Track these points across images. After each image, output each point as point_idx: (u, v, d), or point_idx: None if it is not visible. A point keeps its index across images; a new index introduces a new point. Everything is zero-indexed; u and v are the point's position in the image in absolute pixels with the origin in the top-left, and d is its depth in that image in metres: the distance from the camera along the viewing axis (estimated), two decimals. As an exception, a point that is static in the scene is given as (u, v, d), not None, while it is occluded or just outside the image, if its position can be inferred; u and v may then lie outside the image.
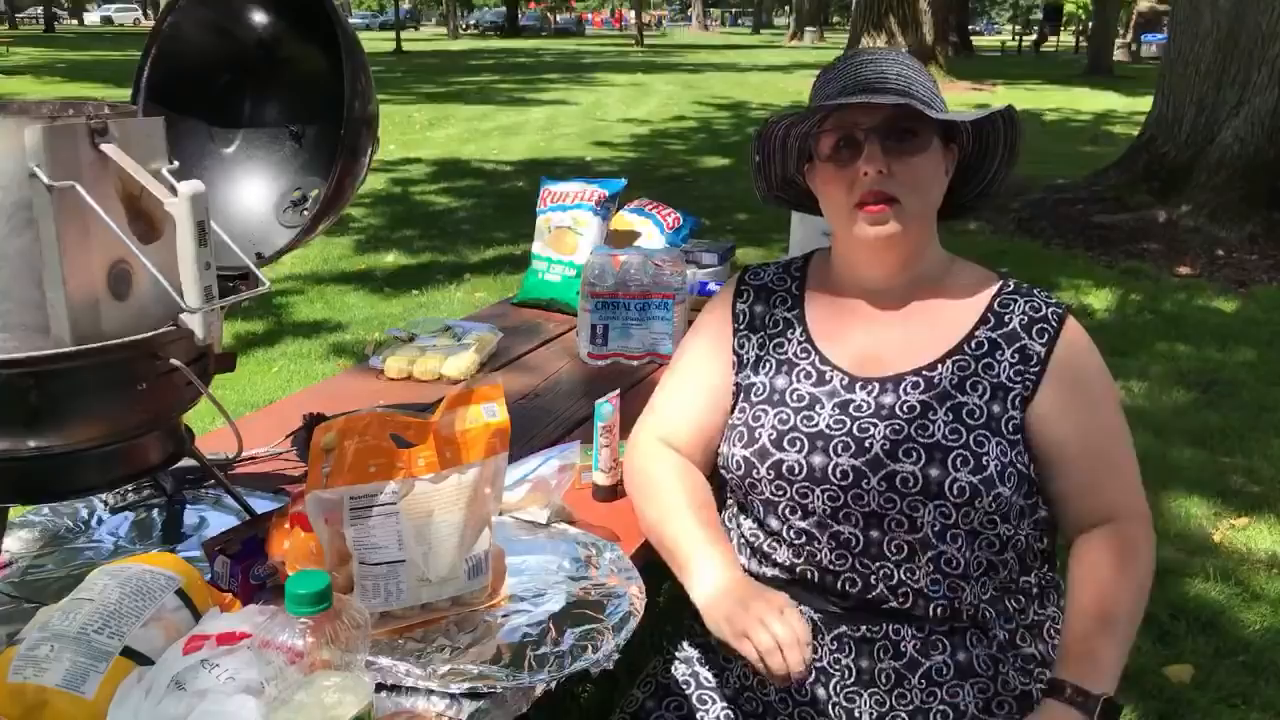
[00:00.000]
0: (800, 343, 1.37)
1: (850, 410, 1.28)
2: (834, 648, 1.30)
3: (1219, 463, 3.52)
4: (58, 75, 19.66)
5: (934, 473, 1.22)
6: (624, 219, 2.48)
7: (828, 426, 1.28)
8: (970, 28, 41.83)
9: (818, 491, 1.27)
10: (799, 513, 1.29)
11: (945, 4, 21.36)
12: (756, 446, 1.31)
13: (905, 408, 1.26)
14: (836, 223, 1.31)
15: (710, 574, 1.26)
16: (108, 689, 0.94)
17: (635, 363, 2.05)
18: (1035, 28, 45.22)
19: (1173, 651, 2.45)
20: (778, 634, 1.15)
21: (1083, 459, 1.28)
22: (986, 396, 1.26)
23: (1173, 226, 6.70)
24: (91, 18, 60.56)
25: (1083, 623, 1.26)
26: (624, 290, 2.03)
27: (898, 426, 1.25)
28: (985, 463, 1.22)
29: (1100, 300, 5.42)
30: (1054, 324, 1.29)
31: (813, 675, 1.31)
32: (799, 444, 1.29)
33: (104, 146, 1.09)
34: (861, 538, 1.26)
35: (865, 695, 1.29)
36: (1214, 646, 2.48)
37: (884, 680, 1.28)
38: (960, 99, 16.81)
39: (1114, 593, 1.27)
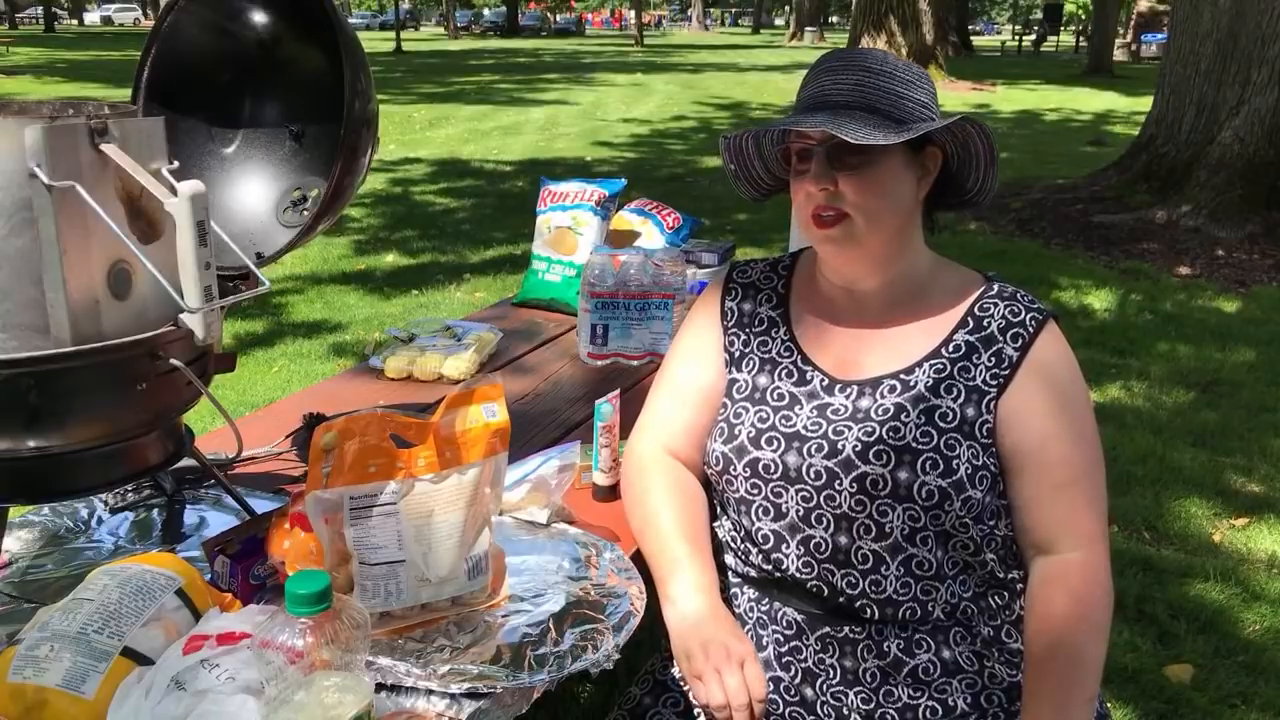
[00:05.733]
0: (784, 341, 1.37)
1: (828, 413, 1.29)
2: (818, 648, 1.30)
3: (1219, 463, 3.52)
4: (58, 75, 19.66)
5: (902, 475, 1.22)
6: (624, 219, 2.48)
7: (804, 427, 1.29)
8: (970, 27, 41.83)
9: (791, 492, 1.27)
10: (771, 514, 1.29)
11: (945, 4, 21.39)
12: (735, 443, 1.31)
13: (880, 411, 1.26)
14: (801, 228, 1.31)
15: (683, 597, 1.25)
16: (108, 689, 0.94)
17: (635, 363, 2.05)
18: (1035, 28, 45.19)
19: (1173, 651, 2.45)
20: (730, 690, 1.16)
21: (1038, 468, 1.25)
22: (961, 400, 1.25)
23: (1173, 226, 6.70)
24: (91, 18, 60.53)
25: (1032, 669, 1.24)
26: (624, 290, 2.03)
27: (870, 429, 1.25)
28: (955, 466, 1.22)
29: (1100, 300, 5.41)
30: (1030, 329, 1.27)
31: (800, 675, 1.31)
32: (776, 443, 1.29)
33: (104, 146, 1.09)
34: (830, 543, 1.26)
35: (852, 694, 1.29)
36: (1214, 646, 2.48)
37: (869, 679, 1.28)
38: (961, 99, 16.84)
39: (1060, 634, 1.23)
